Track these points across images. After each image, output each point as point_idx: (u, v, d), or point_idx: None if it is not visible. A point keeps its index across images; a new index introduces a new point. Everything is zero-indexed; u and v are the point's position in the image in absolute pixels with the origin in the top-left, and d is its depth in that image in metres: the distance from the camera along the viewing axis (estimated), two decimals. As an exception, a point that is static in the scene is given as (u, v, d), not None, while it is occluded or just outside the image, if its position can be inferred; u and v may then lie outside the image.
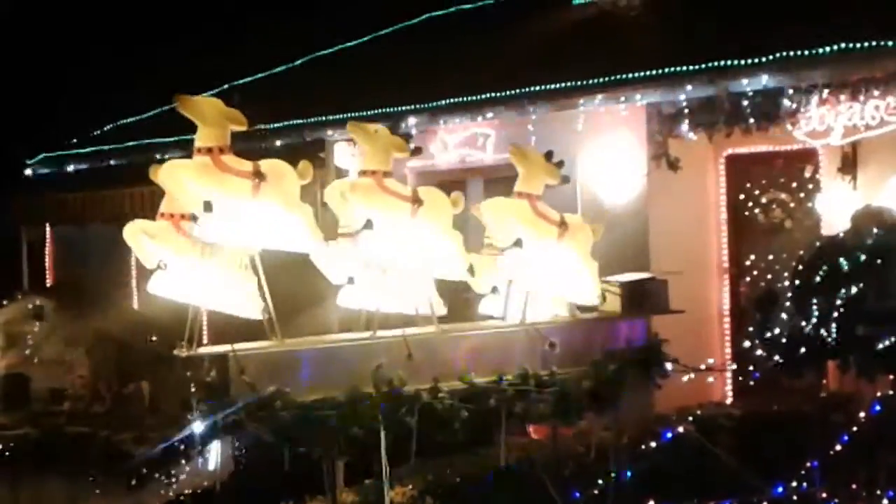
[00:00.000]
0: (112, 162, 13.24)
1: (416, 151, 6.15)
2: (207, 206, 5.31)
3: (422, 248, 5.84)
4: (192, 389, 5.66)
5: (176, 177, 5.43)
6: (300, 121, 11.32)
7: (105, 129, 14.24)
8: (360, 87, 11.77)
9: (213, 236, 5.46)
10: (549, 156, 6.18)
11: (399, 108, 10.75)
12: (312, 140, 11.08)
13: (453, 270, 6.01)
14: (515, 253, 6.00)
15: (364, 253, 5.81)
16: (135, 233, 5.76)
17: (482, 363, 6.05)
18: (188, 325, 5.67)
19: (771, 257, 9.56)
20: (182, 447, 6.30)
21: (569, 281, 6.27)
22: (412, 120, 10.61)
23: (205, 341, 7.27)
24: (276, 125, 11.37)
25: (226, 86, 13.86)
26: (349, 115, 10.92)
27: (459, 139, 10.86)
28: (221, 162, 5.36)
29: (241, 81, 13.81)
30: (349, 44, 13.76)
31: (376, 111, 10.79)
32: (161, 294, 5.77)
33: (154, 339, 9.64)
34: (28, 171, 14.03)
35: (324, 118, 11.11)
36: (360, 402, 5.50)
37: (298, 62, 13.80)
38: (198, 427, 5.46)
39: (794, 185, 9.47)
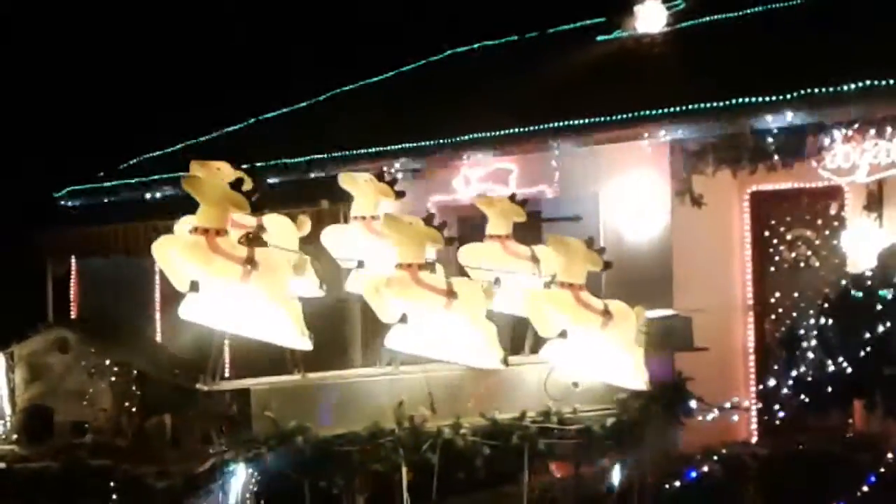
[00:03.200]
0: (138, 195, 13.35)
1: (450, 241, 6.09)
2: (193, 286, 5.26)
3: (455, 339, 5.77)
4: (214, 424, 5.65)
5: (167, 251, 5.34)
6: (322, 156, 11.39)
7: (131, 162, 14.38)
8: (383, 122, 11.84)
9: (195, 317, 5.34)
10: (590, 243, 6.06)
11: (421, 143, 10.81)
12: (334, 175, 11.11)
13: (487, 361, 5.92)
14: (559, 343, 5.92)
15: (396, 345, 5.73)
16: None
17: (506, 400, 6.01)
18: (211, 359, 5.67)
19: (796, 295, 9.49)
20: (203, 481, 6.28)
21: (614, 367, 6.15)
22: (434, 156, 10.66)
23: (227, 375, 7.27)
24: (298, 160, 11.44)
25: (252, 120, 14.02)
26: (372, 149, 11.02)
27: (482, 174, 10.88)
28: (215, 244, 5.29)
29: (265, 116, 13.94)
30: (372, 80, 13.86)
31: (398, 146, 10.86)
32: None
33: (177, 372, 9.66)
34: (54, 205, 14.17)
35: (346, 153, 11.18)
36: (381, 437, 5.47)
37: (322, 97, 13.90)
38: (219, 461, 5.45)
39: (819, 222, 9.41)
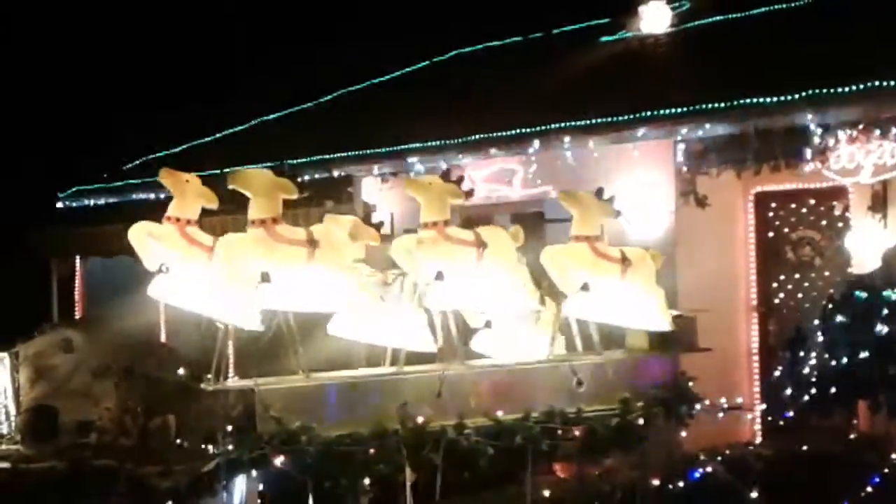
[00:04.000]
0: (142, 195, 13.36)
1: (470, 194, 6.15)
2: (265, 277, 5.47)
3: (492, 288, 5.86)
4: (218, 423, 5.66)
5: (233, 250, 5.54)
6: (328, 156, 11.39)
7: (136, 162, 14.40)
8: (388, 123, 11.84)
9: (272, 305, 5.58)
10: (599, 193, 6.15)
11: (427, 144, 10.81)
12: (341, 175, 11.14)
13: (524, 303, 6.00)
14: (583, 297, 5.98)
15: (438, 304, 5.83)
16: (141, 234, 5.73)
17: (509, 400, 6.02)
18: (215, 359, 5.68)
19: (800, 295, 9.48)
20: (207, 481, 6.30)
21: (638, 313, 6.25)
22: (439, 156, 10.66)
23: (231, 375, 7.28)
24: (304, 160, 11.45)
25: (255, 121, 14.02)
26: (376, 150, 11.03)
27: (486, 175, 10.89)
28: (276, 232, 5.51)
29: (270, 117, 13.95)
30: (378, 80, 13.87)
31: (404, 146, 10.85)
32: (160, 299, 5.76)
33: (182, 372, 9.65)
34: (59, 205, 14.19)
35: (352, 153, 11.18)
36: (385, 438, 5.48)
37: (328, 98, 13.91)
38: (223, 461, 5.46)
39: (824, 223, 9.40)
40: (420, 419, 5.60)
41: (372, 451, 5.46)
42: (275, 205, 5.54)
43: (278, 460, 5.35)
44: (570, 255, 6.04)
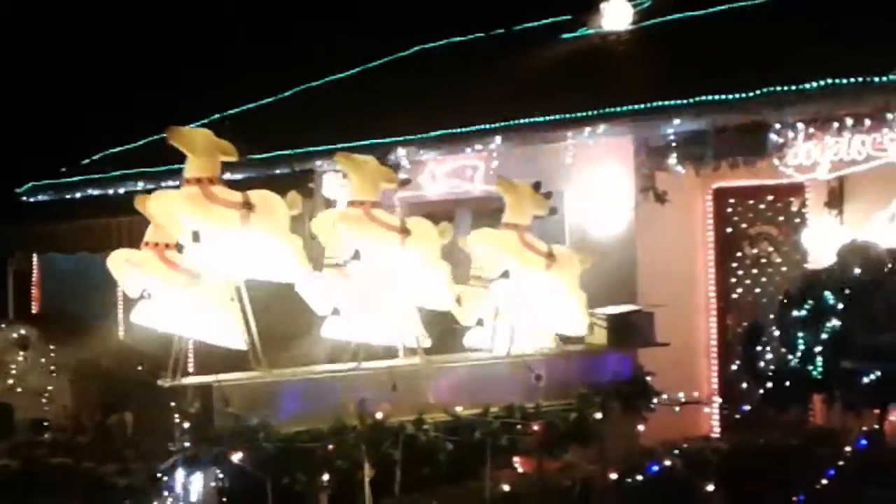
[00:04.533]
0: (100, 191, 13.22)
1: (405, 182, 6.16)
2: (195, 237, 5.32)
3: (409, 278, 5.83)
4: (176, 420, 5.62)
5: (164, 207, 5.43)
6: (289, 151, 11.34)
7: (94, 158, 14.24)
8: (350, 118, 11.81)
9: (201, 266, 5.46)
10: (536, 186, 6.19)
11: (389, 139, 10.79)
12: (301, 170, 11.09)
13: (440, 301, 6.00)
14: (503, 284, 5.99)
15: (352, 283, 5.78)
16: (119, 262, 5.76)
17: (468, 395, 6.03)
18: (172, 355, 5.64)
19: (758, 290, 9.58)
20: (164, 479, 6.25)
21: (557, 312, 6.26)
22: (401, 151, 10.65)
23: (190, 371, 7.22)
24: (265, 155, 11.38)
25: (217, 115, 13.90)
26: (338, 145, 10.98)
27: (448, 170, 10.89)
28: (210, 192, 5.38)
29: (231, 112, 13.84)
30: (340, 75, 13.82)
31: (365, 142, 10.82)
32: (144, 324, 5.74)
33: (139, 368, 9.59)
34: (16, 200, 14.01)
35: (313, 149, 11.13)
36: (344, 433, 5.46)
37: (289, 93, 13.84)
38: (181, 458, 5.41)
39: (782, 218, 9.50)
40: (379, 415, 5.58)
41: (330, 447, 5.44)
42: (213, 165, 5.41)
43: (236, 457, 5.31)
44: (498, 240, 6.05)
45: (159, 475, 5.90)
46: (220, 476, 5.61)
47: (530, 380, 6.19)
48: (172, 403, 5.83)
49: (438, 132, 10.45)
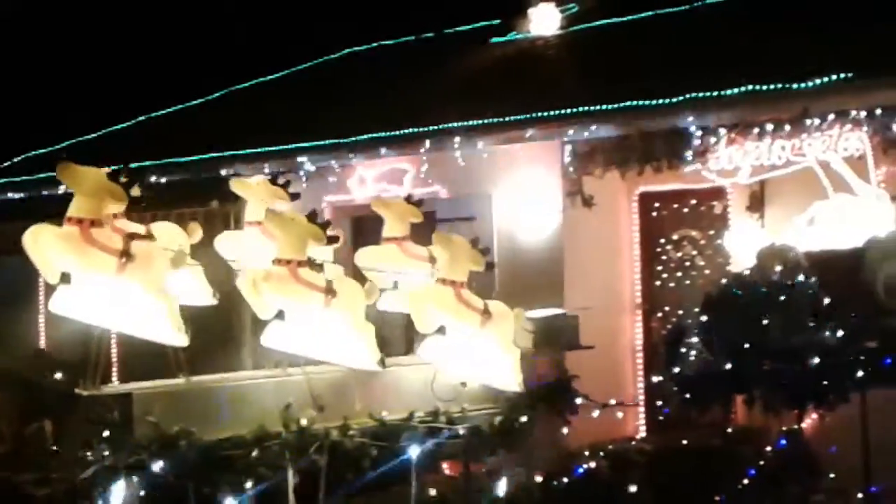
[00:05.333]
0: (21, 194, 12.94)
1: (333, 240, 5.99)
2: (65, 279, 5.09)
3: (333, 338, 5.67)
4: (96, 429, 5.51)
5: (39, 243, 5.11)
6: (215, 154, 11.21)
7: (14, 160, 13.91)
8: (278, 121, 11.71)
9: (66, 311, 5.19)
10: (474, 243, 6.07)
11: (318, 143, 10.74)
12: (227, 175, 10.97)
13: (364, 362, 5.85)
14: (437, 340, 5.90)
15: (272, 343, 5.63)
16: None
17: (394, 400, 6.02)
18: (91, 363, 5.53)
19: (682, 293, 9.73)
20: (85, 488, 6.13)
21: (491, 367, 6.14)
22: (329, 155, 10.62)
23: (114, 379, 7.11)
24: (190, 158, 11.24)
25: (141, 118, 13.72)
26: (264, 149, 10.91)
27: (377, 174, 10.88)
28: (90, 235, 5.14)
29: (153, 115, 13.66)
30: (266, 78, 13.70)
31: (293, 145, 10.76)
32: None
33: (58, 376, 9.39)
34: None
35: (239, 152, 11.03)
36: (267, 440, 5.41)
37: (214, 95, 13.68)
38: (100, 467, 5.32)
39: (705, 222, 9.67)
40: (303, 421, 5.54)
41: (254, 454, 5.39)
42: (99, 207, 5.18)
43: (157, 465, 5.23)
44: (434, 296, 5.93)
45: (79, 485, 5.78)
46: (142, 485, 5.51)
47: (457, 384, 6.19)
48: (92, 412, 5.72)
49: (368, 135, 10.43)
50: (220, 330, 7.40)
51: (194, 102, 13.62)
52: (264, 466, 5.41)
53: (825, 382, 6.76)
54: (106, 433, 5.38)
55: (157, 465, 5.23)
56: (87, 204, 5.17)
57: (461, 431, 6.04)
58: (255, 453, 5.40)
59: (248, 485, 5.42)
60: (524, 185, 9.85)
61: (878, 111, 7.87)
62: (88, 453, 5.50)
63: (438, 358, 5.97)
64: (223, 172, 10.94)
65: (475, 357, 5.98)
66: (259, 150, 10.89)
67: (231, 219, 7.39)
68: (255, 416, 5.55)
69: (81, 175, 5.21)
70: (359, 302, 5.71)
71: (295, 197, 6.44)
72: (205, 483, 5.34)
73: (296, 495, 5.53)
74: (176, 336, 5.34)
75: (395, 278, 6.37)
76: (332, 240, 5.81)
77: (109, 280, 5.16)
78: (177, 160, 11.04)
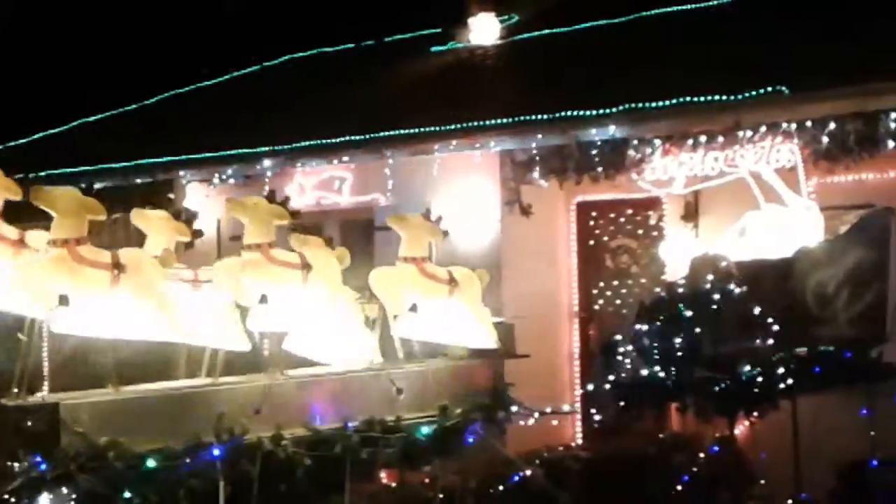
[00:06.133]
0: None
1: (296, 215, 6.05)
2: (62, 300, 5.25)
3: (317, 310, 5.78)
4: (22, 440, 5.39)
5: (31, 275, 5.24)
6: (149, 160, 11.08)
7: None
8: (216, 127, 11.61)
9: (69, 330, 5.35)
10: (427, 215, 6.19)
11: (255, 150, 10.66)
12: (163, 180, 10.85)
13: (349, 325, 5.94)
14: (411, 317, 6.00)
15: (261, 326, 5.71)
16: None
17: (328, 409, 5.99)
18: (17, 372, 5.43)
19: (618, 301, 9.82)
20: (9, 500, 6.00)
21: (466, 331, 6.33)
22: (267, 162, 10.55)
23: (45, 389, 6.96)
24: (123, 164, 11.09)
25: (76, 122, 13.51)
26: (199, 155, 10.81)
27: (316, 182, 10.83)
28: (77, 254, 5.23)
29: (93, 118, 13.45)
30: (206, 83, 13.58)
31: (231, 152, 10.67)
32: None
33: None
34: None
35: (174, 158, 10.91)
36: (199, 451, 5.34)
37: (154, 99, 13.52)
38: (26, 479, 5.21)
39: (641, 231, 9.78)
40: (236, 431, 5.49)
41: (185, 465, 5.31)
42: (80, 225, 5.27)
43: (85, 477, 5.14)
44: (398, 276, 6.06)
45: (4, 497, 5.66)
46: (69, 497, 5.41)
47: (392, 393, 6.19)
48: (18, 423, 5.60)
49: (306, 143, 10.38)
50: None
51: (131, 107, 13.45)
52: (195, 477, 5.34)
53: (755, 390, 6.86)
54: (32, 444, 5.27)
55: (85, 478, 5.14)
56: (68, 223, 5.23)
57: (396, 440, 6.03)
58: (185, 464, 5.33)
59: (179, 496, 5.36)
60: (462, 193, 9.87)
61: (809, 123, 8.02)
62: (15, 464, 5.38)
63: (415, 334, 5.99)
64: (159, 178, 10.82)
65: (449, 325, 6.06)
66: (193, 156, 10.78)
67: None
68: (186, 427, 5.48)
69: (55, 196, 5.26)
70: (335, 270, 5.79)
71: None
72: (134, 495, 5.25)
73: (228, 506, 5.47)
74: (174, 334, 5.52)
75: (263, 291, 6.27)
76: (294, 215, 5.88)
77: (105, 294, 5.26)
78: (111, 165, 10.87)
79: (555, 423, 7.61)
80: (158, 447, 5.33)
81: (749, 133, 8.22)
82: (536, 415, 6.86)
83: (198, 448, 5.38)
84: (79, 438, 5.18)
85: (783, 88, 8.00)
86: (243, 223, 5.82)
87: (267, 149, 10.57)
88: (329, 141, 10.26)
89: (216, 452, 5.31)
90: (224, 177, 10.65)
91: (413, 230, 6.19)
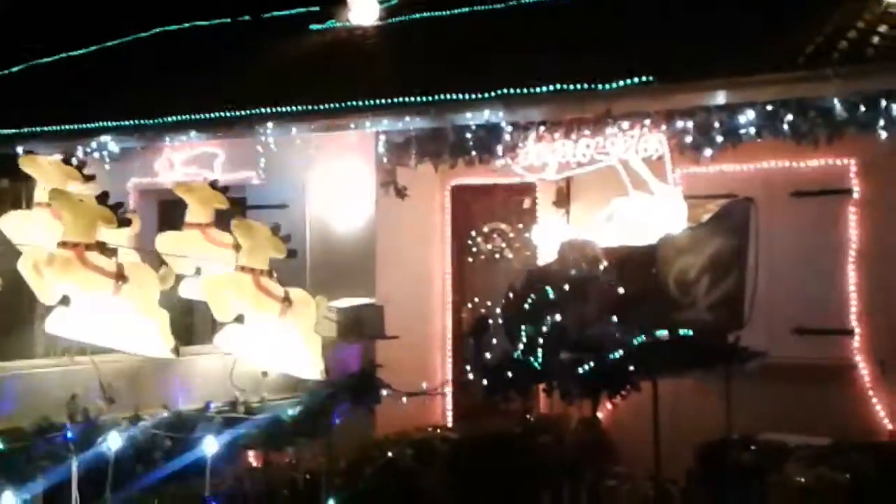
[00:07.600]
0: None
1: (125, 223, 5.74)
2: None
3: (123, 325, 5.42)
4: None
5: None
6: (6, 132, 10.62)
7: None
8: (82, 99, 11.20)
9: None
10: (276, 230, 5.94)
11: (124, 123, 10.34)
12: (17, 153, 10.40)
13: (157, 350, 5.65)
14: (235, 329, 5.75)
15: (56, 330, 5.38)
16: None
17: (191, 391, 5.87)
18: None
19: (491, 285, 9.92)
20: None
21: (292, 356, 6.05)
22: (138, 136, 10.25)
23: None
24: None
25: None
26: (66, 127, 10.42)
27: (186, 157, 10.57)
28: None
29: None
30: (73, 53, 13.07)
31: (97, 124, 10.33)
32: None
33: None
34: None
35: (36, 129, 10.48)
36: (50, 432, 5.16)
37: (14, 69, 12.94)
38: None
39: (514, 216, 9.90)
40: (91, 413, 5.32)
41: (36, 447, 5.13)
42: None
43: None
44: (232, 283, 5.79)
45: None
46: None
47: (257, 374, 6.09)
48: None
49: (178, 118, 10.12)
50: (7, 315, 6.99)
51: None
52: (47, 459, 5.15)
53: (618, 373, 7.00)
54: None
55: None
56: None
57: (260, 420, 5.95)
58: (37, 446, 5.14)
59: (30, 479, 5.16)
60: (338, 173, 9.78)
61: (676, 114, 8.23)
62: None
63: (237, 347, 5.83)
64: (18, 150, 10.37)
65: (275, 346, 5.86)
66: (58, 128, 10.38)
67: (23, 199, 6.98)
68: (39, 407, 5.29)
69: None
70: (152, 288, 5.51)
71: (89, 178, 6.15)
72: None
73: (80, 490, 5.29)
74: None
75: (198, 264, 6.19)
76: (123, 223, 5.57)
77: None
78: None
79: (430, 404, 7.60)
80: (8, 427, 5.14)
81: (620, 122, 8.38)
82: (405, 399, 6.85)
83: (49, 429, 5.20)
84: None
85: (652, 79, 8.17)
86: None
87: (136, 122, 10.26)
88: (201, 116, 10.02)
89: (69, 434, 5.11)
90: (88, 150, 10.30)
91: (256, 241, 5.88)
